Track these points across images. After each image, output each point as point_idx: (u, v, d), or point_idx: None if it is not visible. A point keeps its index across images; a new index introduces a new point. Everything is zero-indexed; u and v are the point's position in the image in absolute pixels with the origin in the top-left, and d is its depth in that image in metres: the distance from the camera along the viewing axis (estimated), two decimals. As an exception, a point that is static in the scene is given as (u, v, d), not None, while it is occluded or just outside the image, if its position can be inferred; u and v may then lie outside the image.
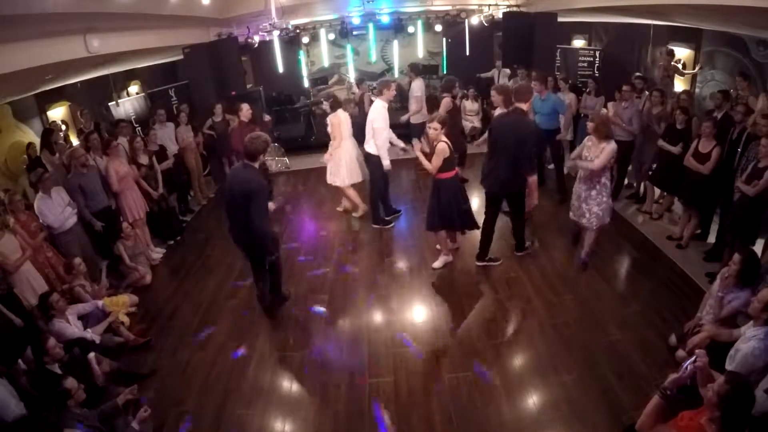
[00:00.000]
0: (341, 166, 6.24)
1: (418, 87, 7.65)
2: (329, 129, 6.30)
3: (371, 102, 6.89)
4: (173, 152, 7.03)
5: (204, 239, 6.57)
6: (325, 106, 6.57)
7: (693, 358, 2.59)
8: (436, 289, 4.94)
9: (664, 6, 5.20)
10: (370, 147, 5.90)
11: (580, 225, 5.02)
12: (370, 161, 5.99)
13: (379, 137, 5.75)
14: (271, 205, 4.39)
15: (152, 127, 6.97)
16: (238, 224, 4.22)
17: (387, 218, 6.37)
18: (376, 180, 6.09)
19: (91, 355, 3.87)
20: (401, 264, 5.48)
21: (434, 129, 4.68)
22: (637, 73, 6.81)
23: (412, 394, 3.68)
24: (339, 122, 6.16)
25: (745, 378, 2.47)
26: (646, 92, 6.35)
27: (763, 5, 3.56)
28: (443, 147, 4.67)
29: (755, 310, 2.94)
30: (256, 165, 4.17)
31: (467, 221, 5.08)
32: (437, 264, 5.26)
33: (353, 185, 6.44)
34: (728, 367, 2.84)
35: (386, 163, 5.85)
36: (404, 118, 7.88)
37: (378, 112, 5.74)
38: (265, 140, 4.19)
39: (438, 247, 5.34)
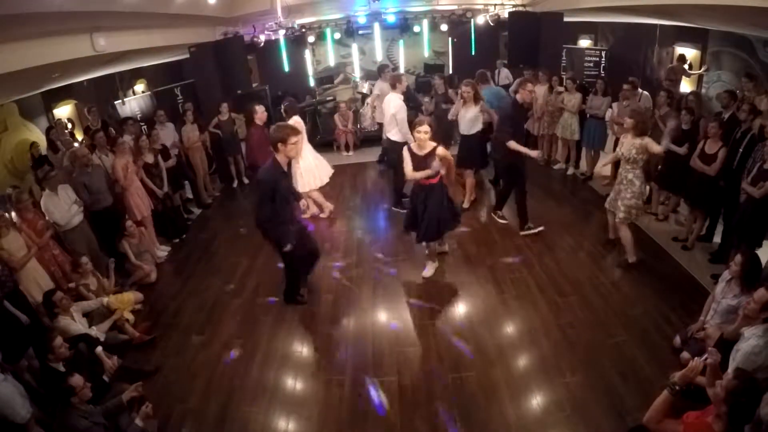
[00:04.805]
0: (299, 172, 6.12)
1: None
2: None
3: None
4: (175, 152, 7.04)
5: (209, 238, 6.58)
6: (283, 111, 6.39)
7: (704, 356, 2.59)
8: (441, 289, 4.94)
9: (671, 6, 5.17)
10: (393, 135, 6.27)
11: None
12: (394, 149, 6.16)
13: (404, 126, 6.08)
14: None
15: (155, 127, 6.99)
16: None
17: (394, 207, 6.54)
18: (399, 166, 6.10)
19: (99, 349, 3.90)
20: (405, 262, 5.46)
21: (425, 132, 4.54)
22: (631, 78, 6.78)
23: (416, 394, 3.68)
24: (301, 128, 6.16)
25: (752, 374, 2.46)
26: (641, 90, 6.36)
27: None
28: (446, 151, 4.59)
29: (752, 311, 2.89)
30: (278, 157, 4.18)
31: (455, 218, 5.06)
32: (427, 273, 5.11)
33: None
34: (731, 367, 2.83)
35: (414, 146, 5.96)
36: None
37: (399, 105, 6.19)
38: (290, 128, 4.21)
39: (426, 253, 5.21)
